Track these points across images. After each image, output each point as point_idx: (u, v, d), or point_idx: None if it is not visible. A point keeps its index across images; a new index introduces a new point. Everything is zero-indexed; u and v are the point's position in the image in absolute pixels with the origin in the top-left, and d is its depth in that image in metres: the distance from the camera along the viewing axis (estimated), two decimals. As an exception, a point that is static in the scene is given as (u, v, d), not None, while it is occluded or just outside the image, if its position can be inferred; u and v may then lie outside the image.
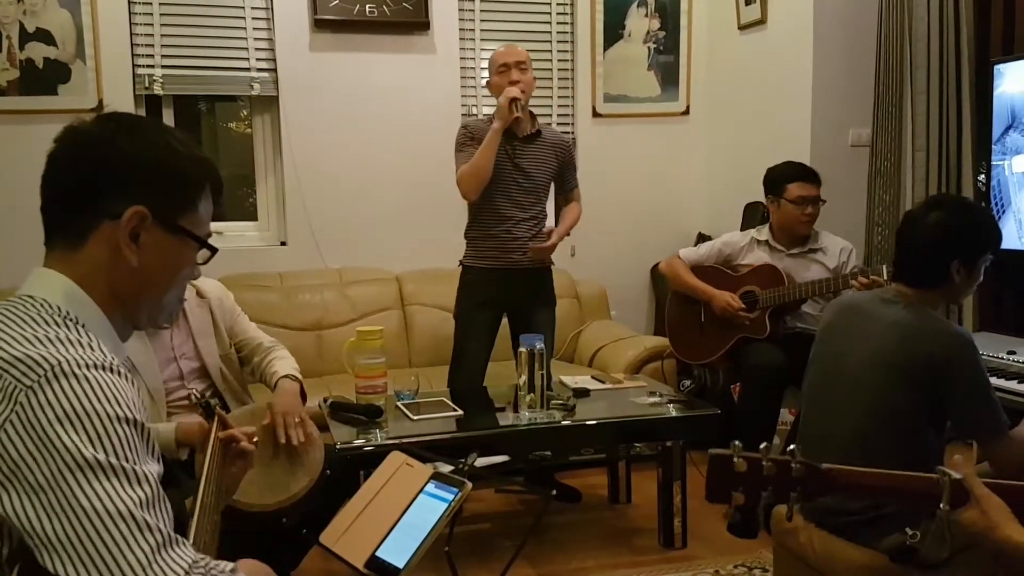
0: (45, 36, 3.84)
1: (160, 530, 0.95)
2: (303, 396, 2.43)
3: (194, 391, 2.25)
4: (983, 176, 3.35)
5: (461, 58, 4.39)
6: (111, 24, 3.91)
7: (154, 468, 1.00)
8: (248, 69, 4.13)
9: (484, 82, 3.45)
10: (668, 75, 4.71)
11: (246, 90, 4.17)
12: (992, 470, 1.95)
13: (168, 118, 4.13)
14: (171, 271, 1.16)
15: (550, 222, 3.53)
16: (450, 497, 1.69)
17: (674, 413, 2.93)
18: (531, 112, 3.23)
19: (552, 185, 3.46)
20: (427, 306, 4.12)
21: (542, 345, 2.83)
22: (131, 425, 0.98)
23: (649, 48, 4.67)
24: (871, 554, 1.84)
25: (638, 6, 4.61)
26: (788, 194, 3.33)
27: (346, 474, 2.41)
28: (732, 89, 4.52)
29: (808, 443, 2.11)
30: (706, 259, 3.52)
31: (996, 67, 3.19)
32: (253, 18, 4.11)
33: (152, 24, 3.99)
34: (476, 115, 4.31)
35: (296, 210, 4.23)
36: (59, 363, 0.97)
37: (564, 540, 3.11)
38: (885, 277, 2.86)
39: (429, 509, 1.69)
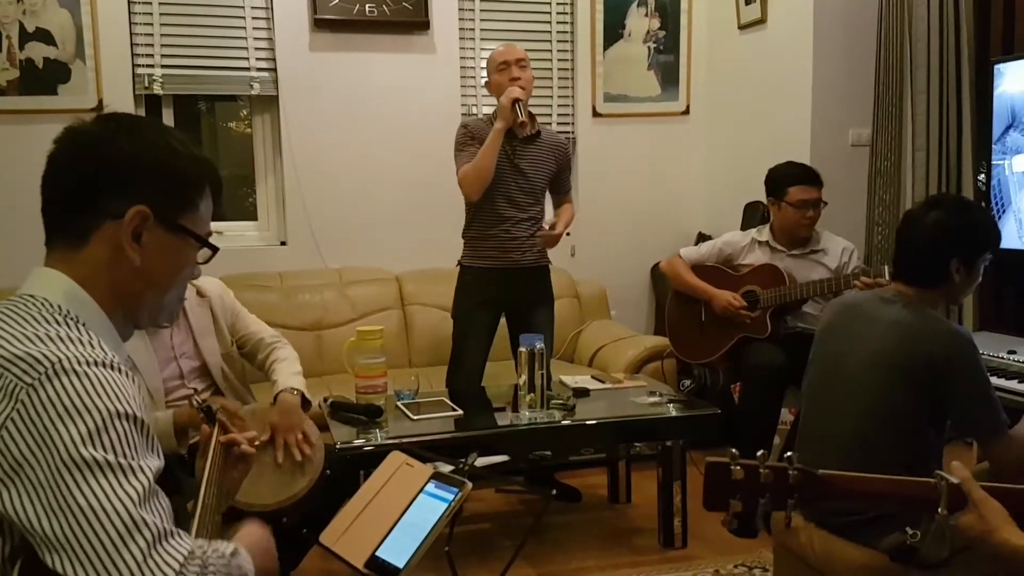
0: (45, 36, 3.84)
1: (156, 524, 0.95)
2: (306, 403, 2.41)
3: (195, 395, 2.24)
4: (983, 176, 3.35)
5: (461, 58, 4.39)
6: (111, 24, 3.91)
7: (154, 463, 1.00)
8: (248, 69, 4.13)
9: (483, 82, 3.43)
10: (668, 75, 4.71)
11: (246, 90, 4.17)
12: (992, 469, 1.95)
13: (168, 118, 4.13)
14: (173, 270, 1.17)
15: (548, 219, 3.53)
16: (450, 497, 1.69)
17: (674, 413, 2.93)
18: (531, 113, 3.22)
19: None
20: (427, 306, 4.12)
21: (542, 345, 2.83)
22: (130, 421, 0.98)
23: (649, 48, 4.66)
24: (871, 554, 1.84)
25: (638, 6, 4.61)
26: (789, 197, 3.32)
27: (346, 474, 2.41)
28: (732, 89, 4.52)
29: (808, 443, 2.12)
30: (707, 258, 3.52)
31: (996, 67, 3.19)
32: (253, 18, 4.11)
33: (152, 24, 3.98)
34: (476, 115, 4.31)
35: (296, 210, 4.23)
36: (59, 360, 0.97)
37: (564, 540, 3.11)
38: (887, 278, 2.86)
39: (429, 509, 1.69)
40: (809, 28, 3.88)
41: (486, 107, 4.28)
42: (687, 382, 3.98)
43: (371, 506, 1.78)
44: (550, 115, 4.55)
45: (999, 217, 3.16)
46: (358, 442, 2.62)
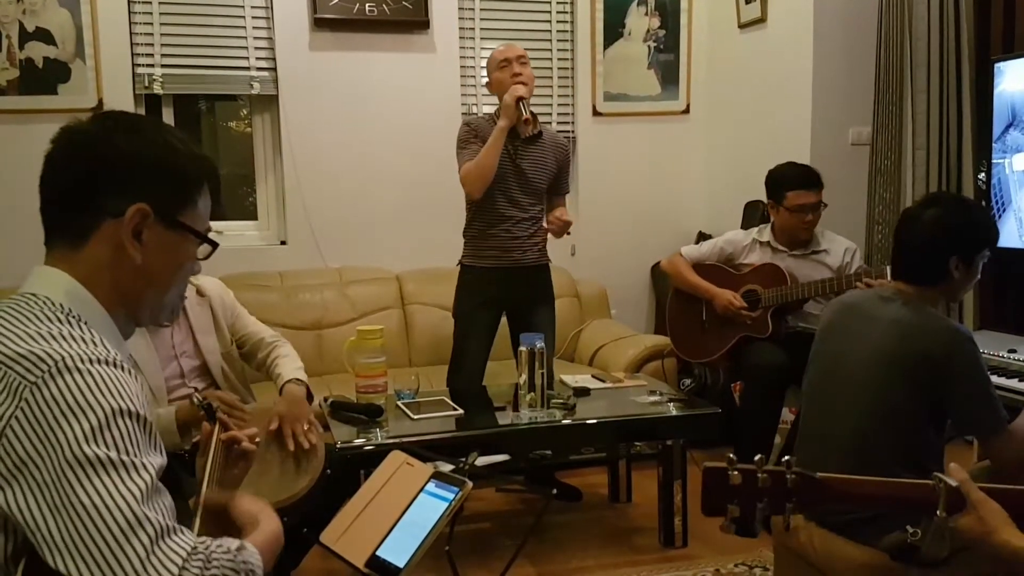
0: (45, 35, 3.84)
1: (158, 522, 0.95)
2: (310, 397, 2.43)
3: (195, 393, 2.24)
4: (983, 174, 3.35)
5: (461, 57, 4.39)
6: (111, 23, 3.91)
7: (156, 460, 1.00)
8: (248, 68, 4.13)
9: (484, 83, 3.42)
10: (668, 74, 4.71)
11: (246, 89, 4.17)
12: (992, 467, 1.95)
13: (168, 117, 4.13)
14: (174, 267, 1.17)
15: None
16: (450, 496, 1.69)
17: (674, 412, 2.93)
18: (533, 113, 3.22)
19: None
20: (427, 305, 4.12)
21: (543, 344, 2.83)
22: (133, 418, 0.98)
23: (649, 47, 4.66)
24: (871, 552, 1.83)
25: (638, 4, 4.61)
26: (787, 202, 3.31)
27: (346, 473, 2.41)
28: (732, 88, 4.52)
29: (808, 443, 2.12)
30: (708, 257, 3.52)
31: (996, 65, 3.19)
32: (253, 17, 4.11)
33: (152, 23, 3.98)
34: (476, 114, 4.30)
35: (296, 209, 4.23)
36: (62, 359, 0.97)
37: (564, 539, 3.11)
38: (889, 278, 2.86)
39: (429, 508, 1.69)
40: (809, 27, 3.88)
41: (486, 107, 4.28)
42: (687, 381, 3.98)
43: (371, 505, 1.77)
44: (550, 114, 4.55)
45: (999, 216, 3.16)
46: (358, 441, 2.62)
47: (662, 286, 4.50)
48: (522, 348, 2.82)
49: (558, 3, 4.54)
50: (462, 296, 3.36)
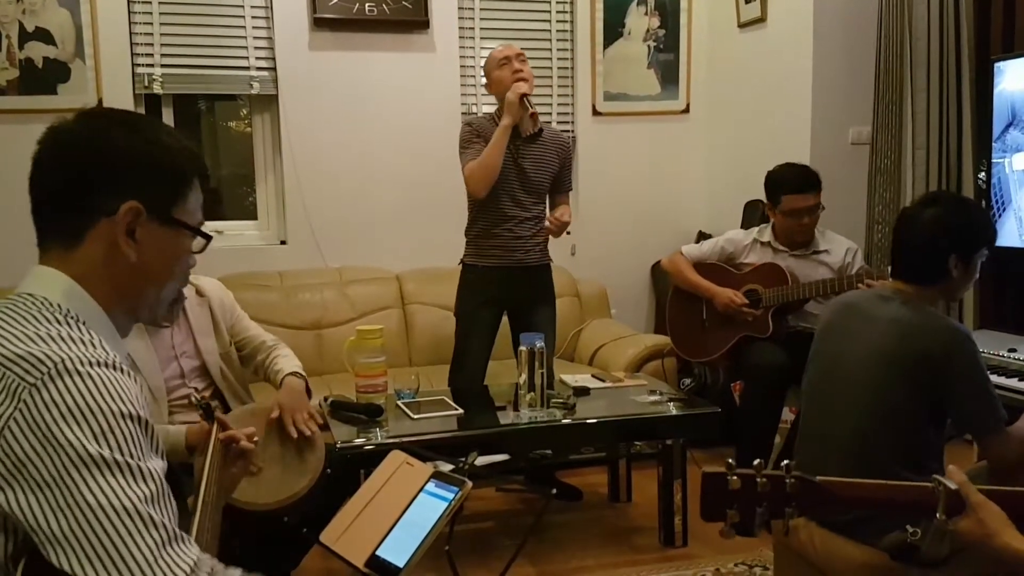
0: (44, 35, 3.84)
1: (165, 526, 0.95)
2: (309, 392, 2.44)
3: (193, 392, 2.24)
4: (983, 174, 3.35)
5: (461, 56, 4.39)
6: (110, 23, 3.91)
7: (158, 464, 1.00)
8: (247, 68, 4.13)
9: (483, 84, 3.40)
10: (668, 73, 4.70)
11: (246, 89, 4.17)
12: (991, 467, 1.95)
13: (167, 117, 4.13)
14: (169, 263, 1.17)
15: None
16: (450, 496, 1.68)
17: (674, 411, 2.93)
18: (534, 112, 3.21)
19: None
20: (427, 305, 4.12)
21: (542, 344, 2.83)
22: (135, 421, 0.98)
23: (649, 46, 4.66)
24: (871, 552, 1.83)
25: (638, 4, 4.61)
26: (782, 206, 3.31)
27: (346, 473, 2.41)
28: (732, 87, 4.52)
29: (808, 443, 2.12)
30: (709, 256, 3.51)
31: (996, 65, 3.19)
32: (252, 17, 4.11)
33: (151, 23, 3.98)
34: (476, 114, 4.30)
35: (296, 209, 4.23)
36: (62, 360, 0.97)
37: (564, 539, 3.11)
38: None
39: (429, 508, 1.68)
40: (809, 26, 3.88)
41: (486, 106, 4.28)
42: (687, 381, 3.98)
43: (371, 505, 1.77)
44: (550, 114, 4.55)
45: (999, 215, 3.16)
46: (358, 441, 2.62)
47: (662, 286, 4.50)
48: (522, 348, 2.82)
49: (558, 3, 4.54)
50: (464, 295, 3.36)
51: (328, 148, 4.23)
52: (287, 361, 2.50)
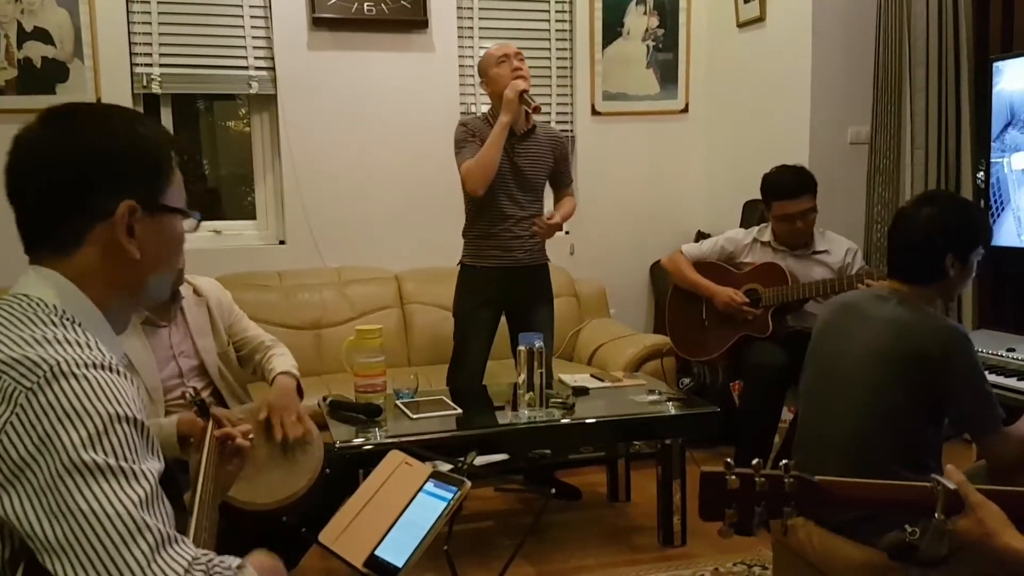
0: (43, 35, 3.83)
1: (159, 529, 0.95)
2: (300, 392, 2.43)
3: (189, 390, 2.24)
4: (982, 173, 3.35)
5: (460, 56, 4.39)
6: (109, 23, 3.91)
7: (155, 466, 1.00)
8: (246, 68, 4.13)
9: (479, 82, 3.39)
10: (667, 73, 4.71)
11: (244, 89, 4.17)
12: (989, 467, 1.95)
13: (166, 117, 4.13)
14: (170, 250, 1.17)
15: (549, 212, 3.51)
16: (449, 496, 1.68)
17: (673, 411, 2.93)
18: (526, 110, 3.22)
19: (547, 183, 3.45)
20: (426, 305, 4.12)
21: (541, 344, 2.83)
22: (131, 424, 0.97)
23: (648, 46, 4.66)
24: (870, 551, 1.84)
25: (637, 4, 4.61)
26: (774, 212, 3.31)
27: (345, 473, 2.41)
28: (731, 87, 4.52)
29: (806, 443, 2.12)
30: (708, 255, 3.51)
31: (995, 64, 3.19)
32: (251, 16, 4.10)
33: (150, 23, 3.98)
34: (475, 113, 4.30)
35: (295, 209, 4.23)
36: (58, 363, 0.96)
37: (563, 538, 3.11)
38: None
39: (428, 508, 1.68)
40: (808, 26, 3.88)
41: (484, 106, 4.27)
42: (686, 380, 3.98)
43: (370, 505, 1.77)
44: (549, 113, 4.55)
45: (998, 215, 3.17)
46: (357, 441, 2.62)
47: (661, 285, 4.50)
48: (521, 348, 2.82)
49: (557, 2, 4.54)
50: (462, 296, 3.36)
51: (327, 148, 4.23)
52: (281, 360, 2.49)
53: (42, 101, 3.81)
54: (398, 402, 2.92)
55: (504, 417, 2.86)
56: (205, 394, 2.36)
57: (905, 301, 1.99)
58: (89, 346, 1.01)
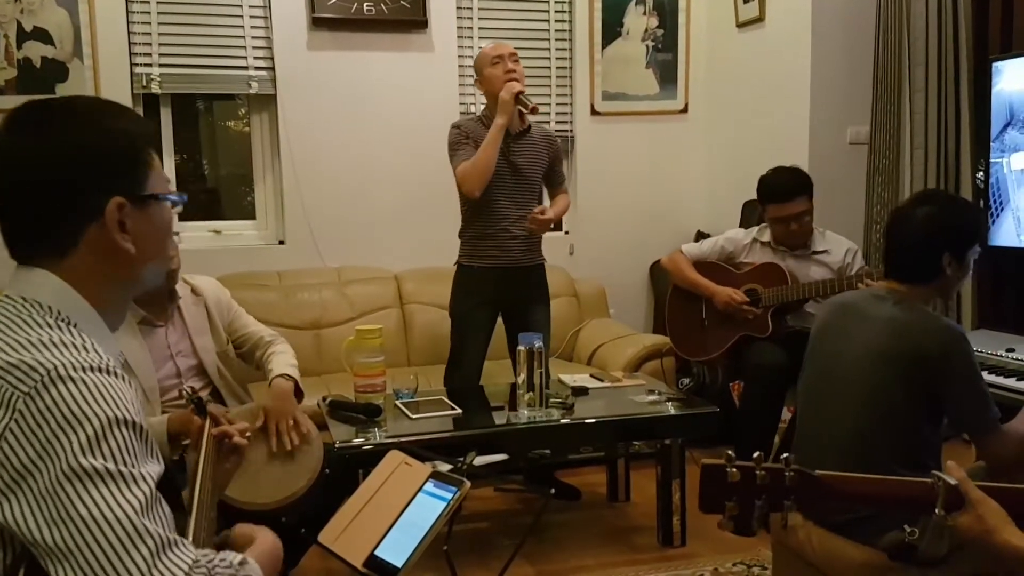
0: (43, 35, 3.83)
1: (159, 534, 0.94)
2: (299, 393, 2.42)
3: (186, 387, 2.23)
4: (981, 173, 3.35)
5: (459, 56, 4.39)
6: (109, 23, 3.90)
7: (154, 469, 0.99)
8: (246, 68, 4.13)
9: (473, 80, 3.37)
10: (667, 73, 4.71)
11: (244, 89, 4.17)
12: (988, 466, 1.95)
13: (166, 117, 4.13)
14: (162, 237, 1.16)
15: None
16: (449, 496, 1.68)
17: (673, 411, 2.93)
18: (520, 110, 3.21)
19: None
20: (426, 305, 4.12)
21: (541, 343, 2.83)
22: (129, 427, 0.97)
23: (647, 46, 4.66)
24: (870, 551, 1.84)
25: (636, 4, 4.61)
26: (769, 214, 3.32)
27: (345, 473, 2.41)
28: (730, 87, 4.52)
29: (805, 443, 2.12)
30: (708, 255, 3.51)
31: (994, 64, 3.19)
32: (251, 16, 4.10)
33: (150, 23, 3.98)
34: (474, 113, 4.30)
35: (294, 209, 4.23)
36: (55, 367, 0.96)
37: (563, 538, 3.11)
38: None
39: (428, 508, 1.68)
40: (808, 26, 3.88)
41: (484, 105, 4.27)
42: (686, 380, 3.98)
43: (370, 505, 1.77)
44: (548, 113, 4.55)
45: (997, 215, 3.16)
46: (357, 441, 2.62)
47: (661, 285, 4.50)
48: (520, 348, 2.81)
49: (556, 2, 4.54)
50: (460, 296, 3.36)
51: (326, 148, 4.23)
52: (279, 360, 2.47)
53: (42, 101, 3.80)
54: (398, 402, 2.92)
55: (504, 417, 2.86)
56: (204, 394, 2.36)
57: (903, 301, 1.99)
58: (85, 348, 1.01)
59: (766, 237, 3.42)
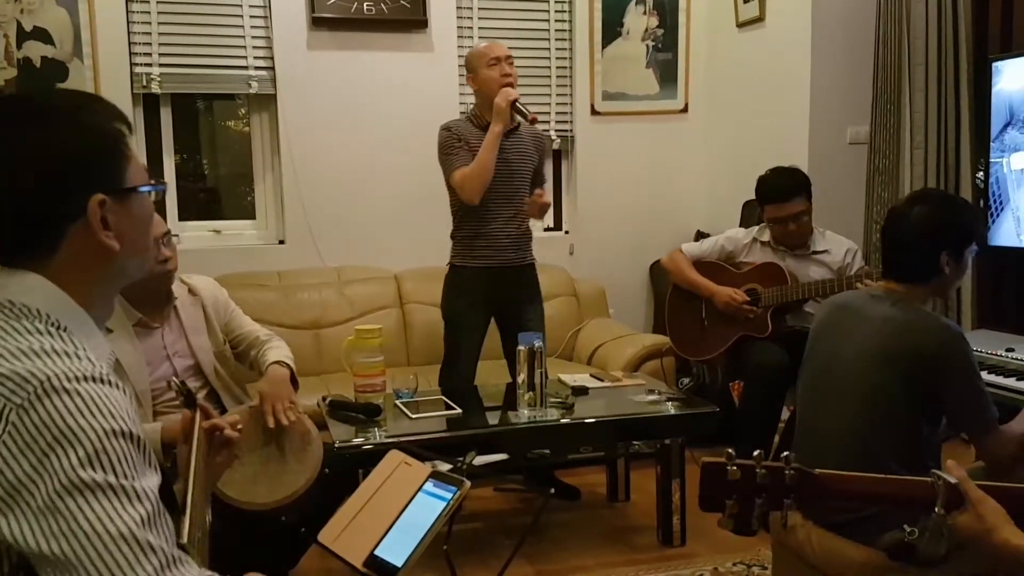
0: (43, 35, 3.83)
1: (163, 550, 0.93)
2: (295, 382, 2.41)
3: (174, 379, 2.22)
4: (981, 173, 3.36)
5: (459, 56, 4.38)
6: (108, 23, 3.90)
7: (153, 481, 0.97)
8: (246, 67, 4.13)
9: (466, 77, 3.32)
10: (667, 73, 4.71)
11: (244, 88, 4.17)
12: (987, 465, 1.95)
13: (166, 117, 4.13)
14: (145, 229, 1.13)
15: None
16: (449, 496, 1.68)
17: (673, 411, 2.93)
18: (516, 117, 3.21)
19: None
20: (426, 304, 4.11)
21: (541, 343, 2.82)
22: (126, 438, 0.95)
23: (648, 46, 4.66)
24: (869, 551, 1.84)
25: (636, 3, 4.61)
26: (766, 215, 3.32)
27: (345, 473, 2.41)
28: (730, 87, 4.52)
29: (804, 442, 2.12)
30: (708, 255, 3.51)
31: (994, 64, 3.19)
32: (251, 16, 4.10)
33: (150, 23, 3.98)
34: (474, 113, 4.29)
35: (294, 208, 4.23)
36: (48, 378, 0.93)
37: (563, 538, 3.11)
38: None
39: (428, 508, 1.68)
40: (808, 26, 3.88)
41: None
42: (686, 380, 3.98)
43: (369, 505, 1.77)
44: (548, 113, 4.55)
45: (997, 215, 3.16)
46: (357, 441, 2.62)
47: (661, 285, 4.50)
48: (521, 347, 2.81)
49: (556, 2, 4.54)
50: (453, 297, 3.34)
51: (326, 147, 4.23)
52: (275, 352, 2.47)
53: (41, 101, 3.80)
54: (397, 402, 2.92)
55: (503, 417, 2.86)
56: (202, 394, 2.36)
57: (901, 301, 1.99)
58: (78, 356, 0.98)
59: (766, 237, 3.42)
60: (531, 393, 2.81)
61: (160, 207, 4.05)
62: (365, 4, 4.15)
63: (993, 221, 3.16)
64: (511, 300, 3.31)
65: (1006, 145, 3.13)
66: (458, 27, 4.37)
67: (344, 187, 4.27)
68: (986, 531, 1.24)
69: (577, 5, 4.54)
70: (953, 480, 1.27)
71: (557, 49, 4.58)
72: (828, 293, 3.13)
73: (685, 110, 4.75)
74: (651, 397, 3.03)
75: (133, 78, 3.99)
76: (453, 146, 3.19)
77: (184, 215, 4.25)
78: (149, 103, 4.09)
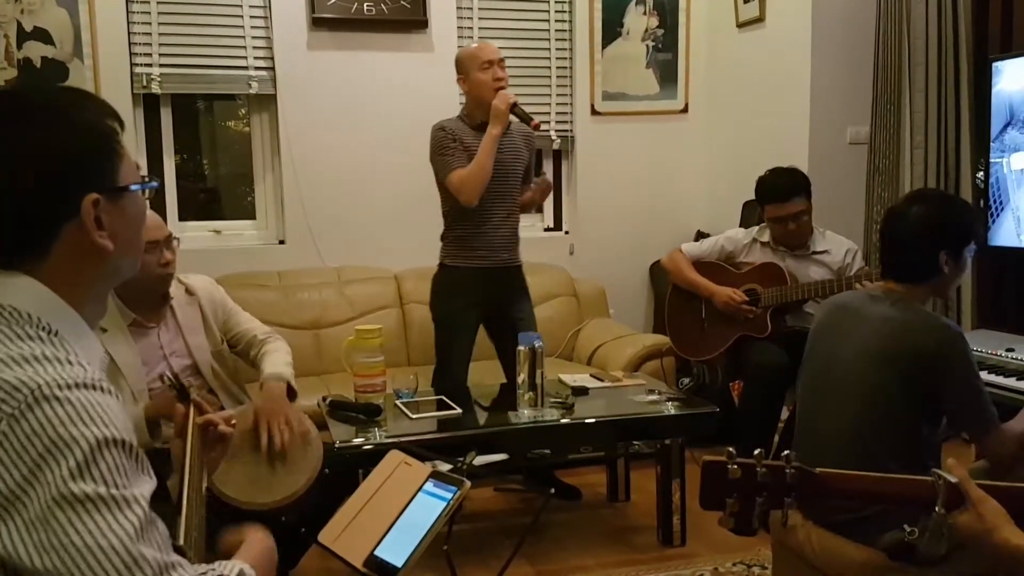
0: (43, 35, 3.83)
1: (155, 559, 0.92)
2: (292, 393, 2.40)
3: (167, 373, 2.21)
4: (981, 173, 3.36)
5: (459, 56, 4.39)
6: (109, 23, 3.90)
7: (146, 487, 0.96)
8: (246, 68, 4.13)
9: (457, 77, 3.27)
10: (667, 73, 4.71)
11: (244, 89, 4.17)
12: (988, 465, 1.95)
13: (166, 117, 4.13)
14: (138, 228, 1.12)
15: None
16: (449, 496, 1.68)
17: (673, 411, 2.93)
18: (522, 122, 3.21)
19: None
20: (426, 304, 4.09)
21: (541, 343, 2.82)
22: (119, 447, 0.94)
23: (648, 46, 4.66)
24: (869, 551, 1.84)
25: (636, 4, 4.61)
26: (766, 215, 3.33)
27: (345, 473, 2.41)
28: (731, 87, 4.52)
29: (804, 442, 2.12)
30: (708, 255, 3.51)
31: (994, 64, 3.19)
32: (251, 16, 4.10)
33: (150, 23, 3.98)
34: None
35: (294, 209, 4.23)
36: (39, 386, 0.92)
37: (563, 538, 3.11)
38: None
39: (428, 508, 1.68)
40: (808, 26, 3.88)
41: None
42: (686, 380, 3.98)
43: (370, 505, 1.77)
44: (548, 113, 4.55)
45: (997, 215, 3.17)
46: (357, 441, 2.62)
47: (661, 285, 4.50)
48: (521, 347, 2.81)
49: (556, 2, 4.54)
50: (446, 298, 3.32)
51: (326, 148, 4.23)
52: (271, 359, 2.45)
53: (42, 101, 3.80)
54: (398, 402, 2.92)
55: (504, 417, 2.86)
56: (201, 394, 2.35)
57: (900, 301, 1.99)
58: (69, 362, 0.97)
59: (766, 237, 3.42)
60: (531, 393, 2.81)
61: (160, 207, 4.05)
62: (365, 4, 4.15)
63: (993, 221, 3.16)
64: (503, 300, 3.30)
65: (1006, 145, 3.13)
66: (458, 27, 4.37)
67: (344, 187, 4.27)
68: (986, 531, 1.24)
69: (577, 5, 4.54)
70: (954, 479, 1.27)
71: (557, 49, 4.58)
72: (828, 293, 3.12)
73: (685, 110, 4.75)
74: (651, 397, 3.03)
75: (133, 78, 3.99)
76: (448, 147, 3.17)
77: (184, 215, 4.26)
78: (149, 103, 4.09)
